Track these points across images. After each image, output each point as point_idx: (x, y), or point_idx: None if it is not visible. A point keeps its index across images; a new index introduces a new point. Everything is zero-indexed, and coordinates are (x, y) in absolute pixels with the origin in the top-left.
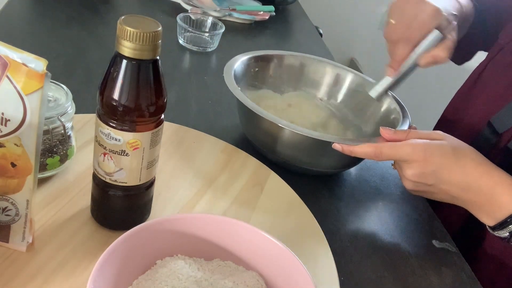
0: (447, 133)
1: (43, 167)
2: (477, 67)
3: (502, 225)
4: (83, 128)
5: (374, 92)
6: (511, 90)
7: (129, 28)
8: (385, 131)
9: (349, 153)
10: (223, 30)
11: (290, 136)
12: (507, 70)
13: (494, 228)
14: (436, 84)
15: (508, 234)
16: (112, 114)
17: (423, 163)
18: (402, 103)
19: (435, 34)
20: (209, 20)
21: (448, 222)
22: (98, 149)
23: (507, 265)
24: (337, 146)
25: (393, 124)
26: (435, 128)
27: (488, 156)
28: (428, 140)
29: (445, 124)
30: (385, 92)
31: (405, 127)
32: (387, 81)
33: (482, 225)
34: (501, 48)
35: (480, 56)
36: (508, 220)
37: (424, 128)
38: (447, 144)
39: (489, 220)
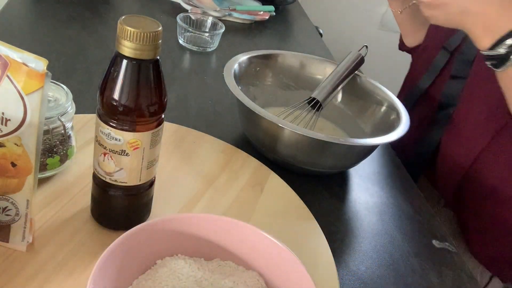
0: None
1: (43, 167)
2: None
3: (500, 41)
4: (83, 128)
5: (316, 93)
6: None
7: (129, 28)
8: None
9: None
10: (223, 30)
11: (290, 136)
12: None
13: (492, 47)
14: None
15: (504, 51)
16: (112, 114)
17: None
18: (401, 103)
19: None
20: (209, 20)
21: (442, 189)
22: (98, 149)
23: (494, 228)
24: None
25: (392, 124)
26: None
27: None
28: None
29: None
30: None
31: (405, 127)
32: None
33: (471, 192)
34: None
35: None
36: (505, 37)
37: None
38: None
39: (487, 38)
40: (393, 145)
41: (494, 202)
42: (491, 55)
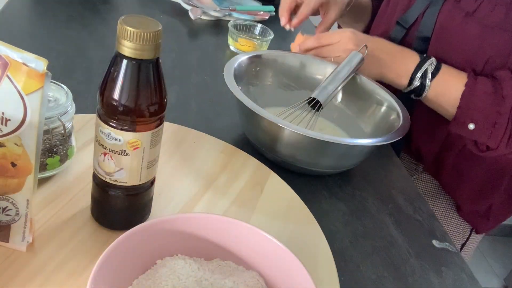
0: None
1: (43, 167)
2: None
3: (412, 79)
4: (83, 128)
5: (317, 94)
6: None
7: (129, 28)
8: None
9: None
10: (272, 37)
11: (290, 136)
12: None
13: (409, 84)
14: None
15: (418, 83)
16: (112, 114)
17: (353, 36)
18: (401, 103)
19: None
20: (258, 27)
21: (423, 157)
22: (98, 149)
23: (472, 182)
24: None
25: (392, 124)
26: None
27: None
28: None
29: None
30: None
31: (405, 127)
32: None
33: (449, 156)
34: None
35: None
36: (415, 73)
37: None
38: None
39: (403, 79)
40: (393, 145)
41: (471, 158)
42: (411, 90)
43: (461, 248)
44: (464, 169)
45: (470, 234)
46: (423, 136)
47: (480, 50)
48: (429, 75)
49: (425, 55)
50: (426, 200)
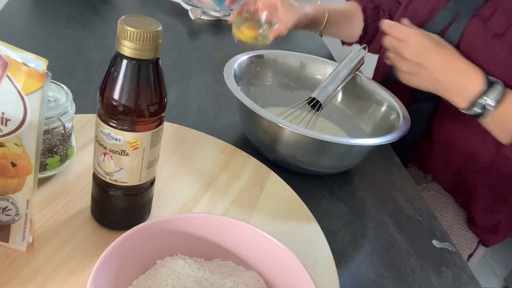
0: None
1: (43, 167)
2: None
3: (473, 104)
4: (83, 128)
5: (317, 94)
6: (435, 11)
7: (129, 28)
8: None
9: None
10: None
11: (290, 136)
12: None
13: (468, 108)
14: None
15: (480, 109)
16: (112, 114)
17: (418, 45)
18: (400, 102)
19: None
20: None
21: (440, 175)
22: (98, 149)
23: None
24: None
25: (392, 124)
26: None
27: None
28: (420, 29)
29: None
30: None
31: (405, 127)
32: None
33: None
34: None
35: None
36: (477, 99)
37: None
38: (433, 34)
39: (462, 102)
40: (393, 145)
41: (489, 175)
42: (471, 114)
43: (468, 259)
44: (479, 184)
45: (477, 246)
46: (442, 155)
47: (506, 73)
48: (493, 103)
49: (490, 78)
50: (434, 210)
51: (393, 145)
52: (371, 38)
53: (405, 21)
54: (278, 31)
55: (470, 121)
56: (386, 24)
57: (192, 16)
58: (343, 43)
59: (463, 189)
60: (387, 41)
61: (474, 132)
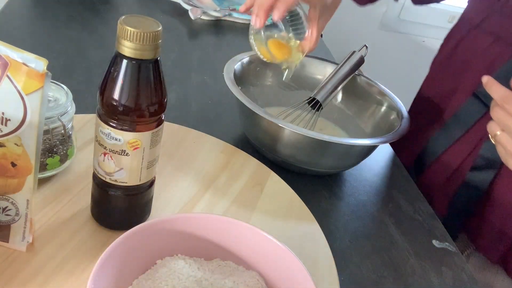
0: (426, 105)
1: (43, 167)
2: (445, 43)
3: None
4: (83, 128)
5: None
6: (493, 66)
7: (129, 28)
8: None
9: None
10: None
11: (290, 136)
12: (485, 52)
13: None
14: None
15: None
16: (112, 114)
17: None
18: (401, 102)
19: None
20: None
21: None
22: (98, 149)
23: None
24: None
25: (392, 124)
26: (414, 102)
27: (474, 127)
28: None
29: (423, 99)
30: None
31: (405, 127)
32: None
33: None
34: (474, 27)
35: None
36: None
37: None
38: None
39: None
40: (393, 145)
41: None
42: None
43: (468, 259)
44: (487, 216)
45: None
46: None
47: None
48: None
49: None
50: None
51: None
52: None
53: None
54: (309, 46)
55: None
56: (496, 91)
57: (192, 16)
58: (357, 2)
59: (475, 221)
60: (496, 115)
61: None
